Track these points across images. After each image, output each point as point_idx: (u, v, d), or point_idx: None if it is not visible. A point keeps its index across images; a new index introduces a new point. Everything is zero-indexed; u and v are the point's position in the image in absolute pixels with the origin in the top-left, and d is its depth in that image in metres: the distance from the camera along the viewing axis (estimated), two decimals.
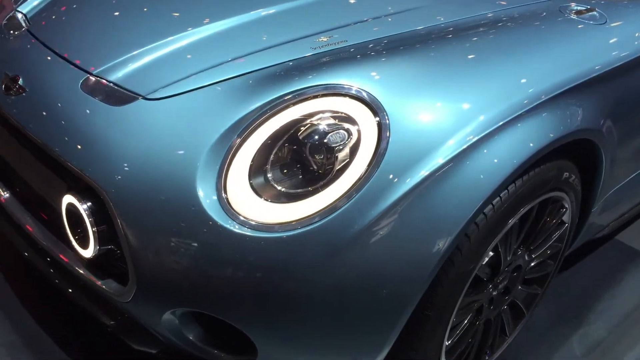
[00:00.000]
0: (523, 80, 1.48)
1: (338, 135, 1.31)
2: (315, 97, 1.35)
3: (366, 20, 1.68)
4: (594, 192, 1.83)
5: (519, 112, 1.40)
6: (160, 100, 1.40)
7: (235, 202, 1.26)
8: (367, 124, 1.32)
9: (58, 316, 1.89)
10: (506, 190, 1.42)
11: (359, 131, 1.31)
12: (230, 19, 1.62)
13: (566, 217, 1.75)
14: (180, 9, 1.71)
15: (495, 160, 1.35)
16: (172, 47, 1.55)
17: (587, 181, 1.78)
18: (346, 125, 1.32)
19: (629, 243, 2.62)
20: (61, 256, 1.52)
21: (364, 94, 1.34)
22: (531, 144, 1.41)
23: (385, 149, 1.29)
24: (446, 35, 1.59)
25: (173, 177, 1.29)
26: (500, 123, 1.36)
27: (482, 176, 1.33)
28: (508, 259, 1.63)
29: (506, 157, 1.37)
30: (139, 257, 1.31)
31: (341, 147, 1.30)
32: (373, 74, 1.42)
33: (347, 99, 1.35)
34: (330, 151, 1.29)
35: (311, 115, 1.33)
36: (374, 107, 1.33)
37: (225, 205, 1.25)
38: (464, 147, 1.31)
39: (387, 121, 1.31)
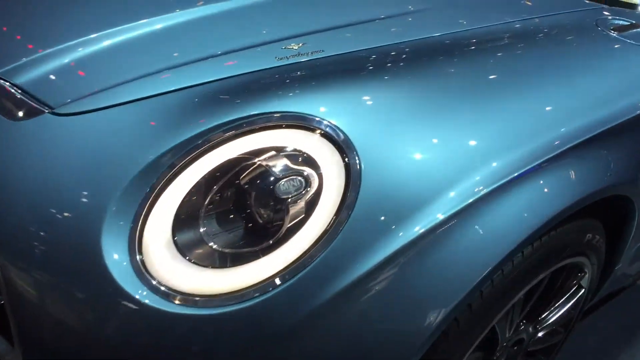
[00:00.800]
0: (550, 118, 1.15)
1: (292, 183, 0.99)
2: (269, 128, 1.03)
3: (353, 24, 1.35)
4: (621, 246, 1.50)
5: (541, 160, 1.08)
6: (70, 117, 1.08)
7: (152, 265, 0.95)
8: (332, 169, 1.00)
9: None
10: (510, 262, 1.09)
11: (320, 177, 0.99)
12: (177, 13, 1.29)
13: (584, 282, 1.43)
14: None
15: (507, 221, 1.04)
16: (101, 44, 1.23)
17: (612, 230, 1.45)
18: (306, 171, 1.00)
19: None
20: None
21: (340, 133, 1.02)
22: (555, 203, 1.09)
23: (354, 201, 0.97)
24: (468, 47, 1.26)
25: (74, 225, 0.97)
26: (516, 174, 1.05)
27: (488, 240, 1.02)
28: (507, 335, 1.31)
29: (521, 218, 1.06)
30: (23, 318, 1.02)
31: (296, 199, 0.98)
32: (352, 99, 1.09)
33: (312, 135, 1.02)
34: (280, 203, 0.98)
35: (260, 152, 1.01)
36: (343, 146, 1.01)
37: (138, 269, 0.94)
38: (470, 200, 1.00)
39: (357, 160, 0.99)
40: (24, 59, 1.19)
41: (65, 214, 0.98)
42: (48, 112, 1.09)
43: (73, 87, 1.14)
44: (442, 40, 1.29)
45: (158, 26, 1.25)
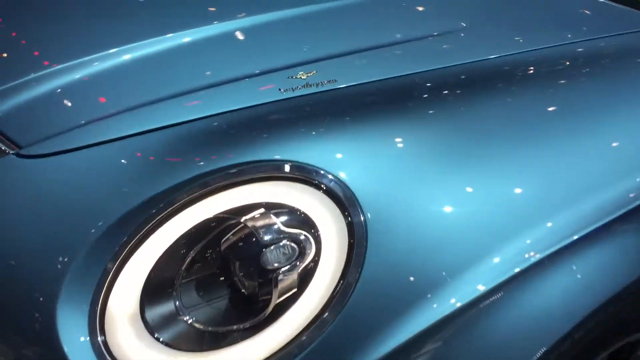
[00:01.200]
0: (618, 165, 0.96)
1: (283, 249, 0.81)
2: (259, 180, 0.86)
3: (380, 46, 1.16)
4: None
5: (606, 220, 0.89)
6: (36, 160, 0.93)
7: (116, 347, 0.79)
8: (333, 232, 0.82)
9: None
10: (557, 350, 0.88)
11: (318, 242, 0.82)
12: (165, 36, 1.12)
13: None
14: (107, 18, 1.23)
15: (560, 297, 0.85)
16: (85, 71, 1.08)
17: None
18: (301, 234, 0.82)
19: None
20: None
21: (345, 189, 0.84)
22: (621, 275, 0.90)
23: (360, 272, 0.79)
24: (525, 73, 1.09)
25: (27, 296, 0.82)
26: (575, 237, 0.86)
27: (534, 321, 0.84)
28: None
29: (577, 293, 0.87)
30: None
31: (287, 269, 0.80)
32: (364, 143, 0.91)
33: (312, 190, 0.85)
34: (267, 274, 0.80)
35: (247, 209, 0.83)
36: (347, 203, 0.83)
37: (99, 352, 0.78)
38: (518, 270, 0.82)
39: (363, 219, 0.82)
40: (33, 74, 1.06)
41: (18, 283, 0.83)
42: (12, 154, 0.95)
43: (48, 122, 0.99)
44: (498, 64, 1.11)
45: (143, 53, 1.09)
